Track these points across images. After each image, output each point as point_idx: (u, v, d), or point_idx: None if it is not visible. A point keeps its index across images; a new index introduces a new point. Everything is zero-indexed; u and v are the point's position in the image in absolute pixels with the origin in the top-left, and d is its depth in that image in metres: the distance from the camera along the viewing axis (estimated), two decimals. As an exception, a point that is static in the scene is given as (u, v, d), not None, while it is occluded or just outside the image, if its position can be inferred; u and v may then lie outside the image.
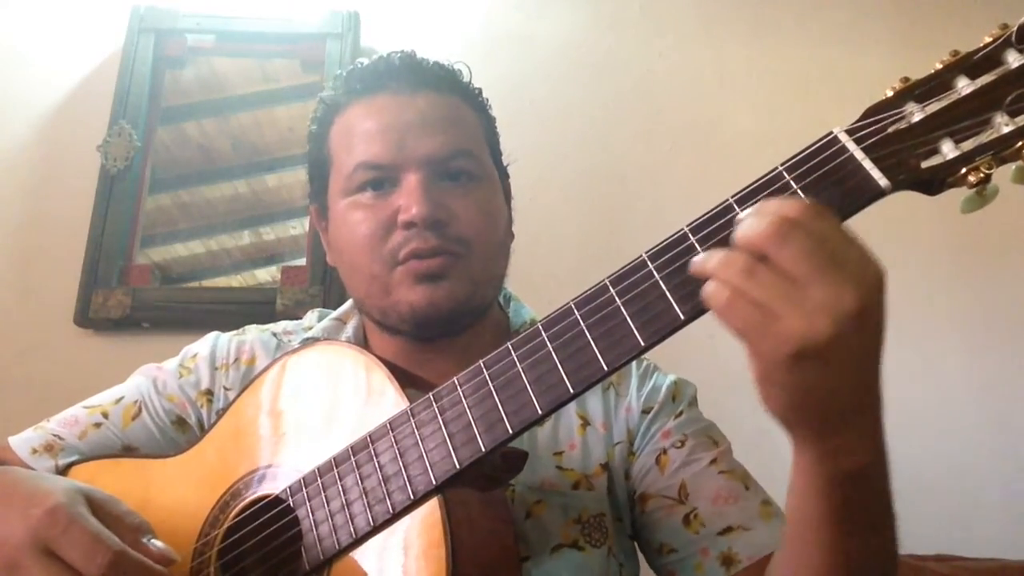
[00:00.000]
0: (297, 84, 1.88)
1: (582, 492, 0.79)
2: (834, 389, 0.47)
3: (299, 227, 1.82)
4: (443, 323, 0.79)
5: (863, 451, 0.50)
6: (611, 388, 0.86)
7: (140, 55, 1.80)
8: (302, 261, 1.73)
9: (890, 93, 0.53)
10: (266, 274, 1.84)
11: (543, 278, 1.49)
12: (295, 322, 0.96)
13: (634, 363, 0.86)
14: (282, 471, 0.69)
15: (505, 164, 0.92)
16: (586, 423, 0.83)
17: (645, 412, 0.83)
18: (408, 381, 0.67)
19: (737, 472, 0.80)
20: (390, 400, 0.65)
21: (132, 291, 1.62)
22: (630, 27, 1.97)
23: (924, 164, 0.50)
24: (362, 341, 0.89)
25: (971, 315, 1.74)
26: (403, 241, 0.77)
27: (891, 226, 1.75)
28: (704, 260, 0.49)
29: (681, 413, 0.83)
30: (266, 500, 0.68)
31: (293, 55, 1.85)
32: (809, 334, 0.44)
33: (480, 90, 0.90)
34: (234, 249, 1.88)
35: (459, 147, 0.81)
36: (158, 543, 0.60)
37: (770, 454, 1.59)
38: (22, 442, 0.85)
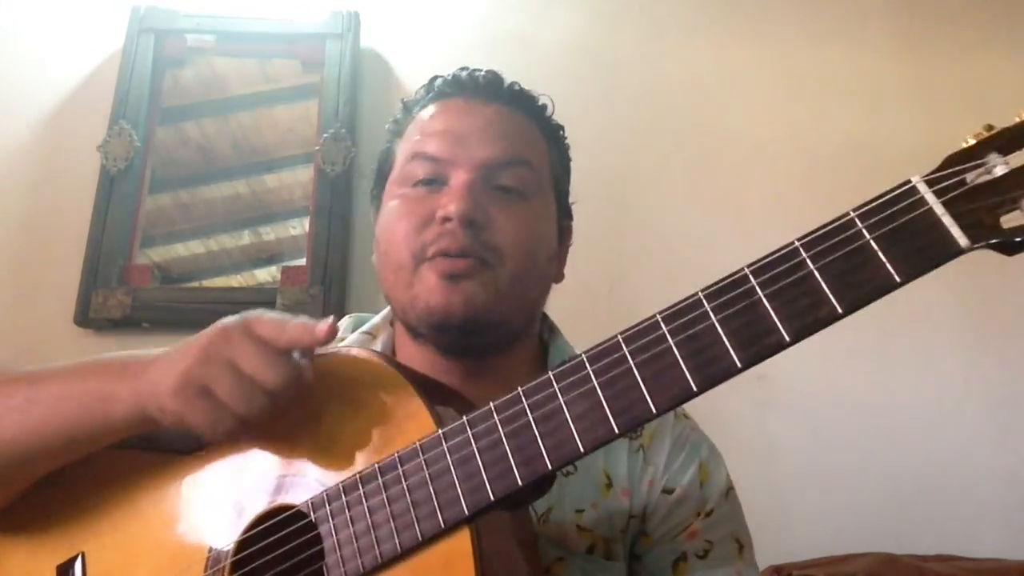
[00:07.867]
0: (297, 84, 1.88)
1: (598, 557, 0.76)
2: None
3: (299, 227, 1.82)
4: (457, 331, 0.75)
5: None
6: (640, 450, 0.80)
7: (140, 55, 1.80)
8: (302, 261, 1.72)
9: (972, 141, 0.48)
10: (266, 274, 1.84)
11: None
12: None
13: (671, 422, 0.82)
14: (299, 482, 0.66)
15: (571, 203, 0.90)
16: (610, 484, 0.79)
17: (667, 492, 0.78)
18: (440, 395, 0.64)
19: None
20: (419, 417, 0.62)
21: (132, 291, 1.62)
22: (630, 27, 1.97)
23: (1004, 221, 0.46)
24: (391, 355, 0.85)
25: (971, 315, 1.74)
26: (435, 237, 0.75)
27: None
28: None
29: (712, 512, 0.78)
30: (286, 513, 0.65)
31: (293, 55, 1.85)
32: None
33: (562, 127, 0.89)
34: (234, 249, 1.88)
35: (516, 155, 0.80)
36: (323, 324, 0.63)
37: (769, 453, 1.59)
38: None
